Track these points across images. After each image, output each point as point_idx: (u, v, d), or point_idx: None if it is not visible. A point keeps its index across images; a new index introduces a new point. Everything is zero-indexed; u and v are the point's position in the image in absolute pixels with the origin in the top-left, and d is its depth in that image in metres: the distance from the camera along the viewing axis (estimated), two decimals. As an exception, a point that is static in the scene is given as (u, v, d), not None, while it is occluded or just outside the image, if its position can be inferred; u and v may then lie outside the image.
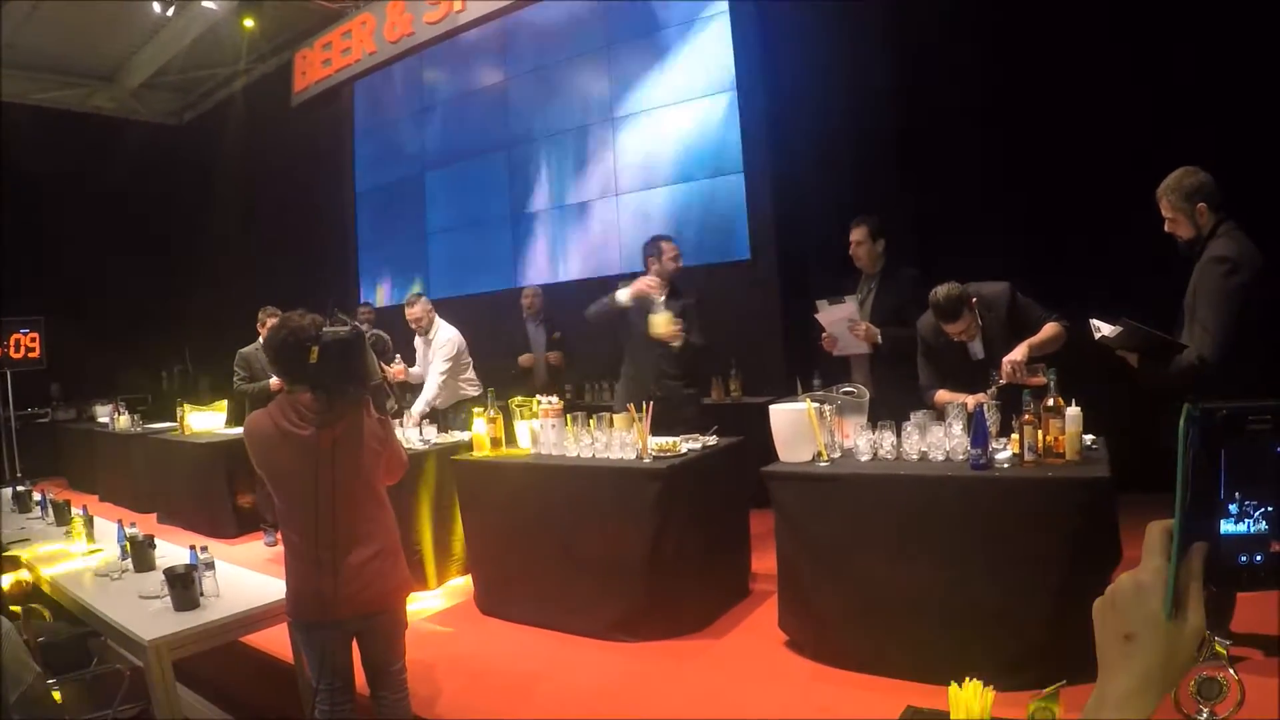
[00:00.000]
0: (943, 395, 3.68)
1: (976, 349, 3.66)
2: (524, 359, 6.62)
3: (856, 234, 4.48)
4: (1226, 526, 0.66)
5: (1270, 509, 0.65)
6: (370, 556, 2.60)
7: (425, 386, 5.71)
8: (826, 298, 4.41)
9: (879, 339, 4.31)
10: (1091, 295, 3.44)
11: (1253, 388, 2.78)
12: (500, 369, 6.42)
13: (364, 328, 2.75)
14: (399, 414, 5.41)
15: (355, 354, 2.56)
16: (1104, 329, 3.11)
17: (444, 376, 5.65)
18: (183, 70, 10.36)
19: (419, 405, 5.61)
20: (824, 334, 4.45)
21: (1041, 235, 5.13)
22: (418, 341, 5.92)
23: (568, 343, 6.73)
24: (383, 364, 3.08)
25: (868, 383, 4.23)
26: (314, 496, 2.54)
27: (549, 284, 7.56)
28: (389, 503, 2.75)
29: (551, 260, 8.03)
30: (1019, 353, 3.40)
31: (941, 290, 3.53)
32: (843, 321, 4.33)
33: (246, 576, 3.29)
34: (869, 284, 4.53)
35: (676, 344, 4.60)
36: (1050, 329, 3.52)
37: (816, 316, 4.41)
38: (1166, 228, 3.09)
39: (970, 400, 3.38)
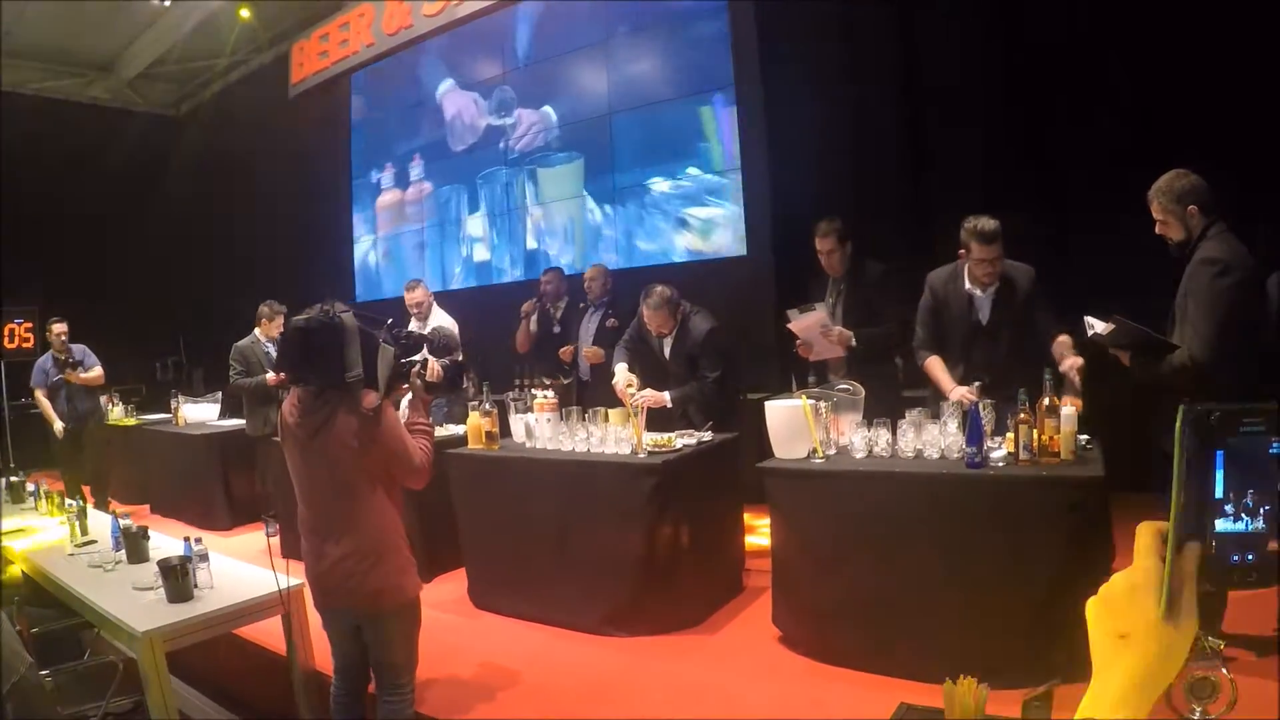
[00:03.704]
0: (933, 365, 3.66)
1: (983, 306, 3.62)
2: (563, 351, 5.79)
3: (826, 243, 4.34)
4: (1223, 525, 0.66)
5: (1266, 509, 0.66)
6: (341, 556, 2.54)
7: None
8: (796, 307, 4.36)
9: (853, 341, 4.26)
10: (1085, 293, 3.44)
11: (1243, 387, 2.80)
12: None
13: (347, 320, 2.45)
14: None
15: (316, 344, 2.41)
16: (1097, 326, 3.12)
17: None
18: (180, 61, 10.32)
19: None
20: (798, 342, 4.43)
21: (1036, 233, 5.12)
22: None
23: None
24: (436, 361, 2.78)
25: None
26: (298, 486, 2.62)
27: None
28: (384, 505, 2.60)
29: (547, 254, 8.02)
30: (1078, 364, 3.35)
31: (986, 217, 3.47)
32: (815, 328, 4.31)
33: (240, 569, 3.28)
34: (837, 287, 4.45)
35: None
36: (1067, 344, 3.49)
37: (789, 326, 4.39)
38: (1158, 229, 3.10)
39: (965, 395, 3.38)
